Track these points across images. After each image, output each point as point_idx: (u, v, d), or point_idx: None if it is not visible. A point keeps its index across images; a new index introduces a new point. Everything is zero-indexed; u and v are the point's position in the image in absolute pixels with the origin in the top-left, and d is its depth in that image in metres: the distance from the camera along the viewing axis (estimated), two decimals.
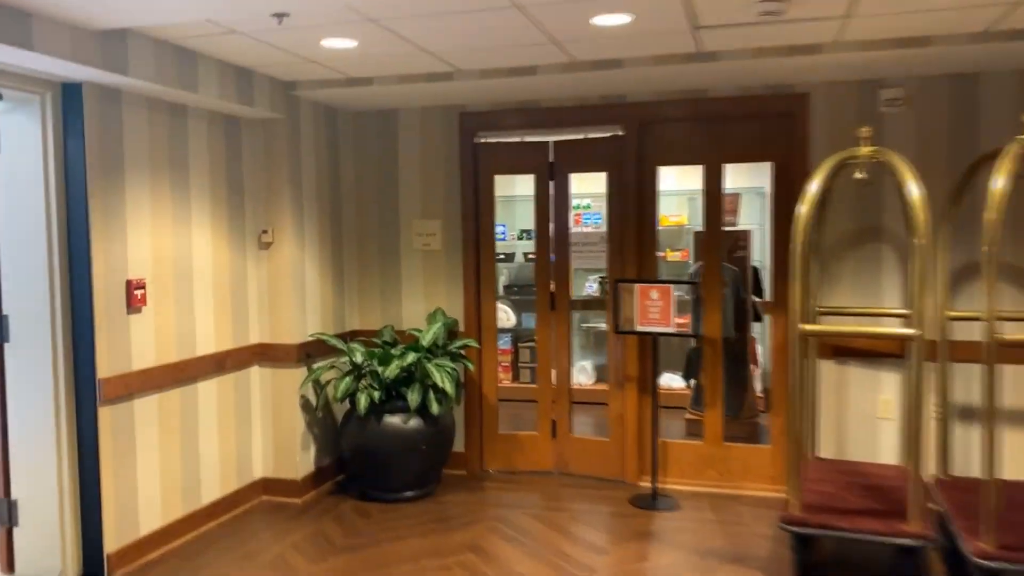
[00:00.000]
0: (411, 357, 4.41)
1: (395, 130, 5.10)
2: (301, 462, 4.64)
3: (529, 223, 7.52)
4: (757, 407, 5.94)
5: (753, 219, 7.03)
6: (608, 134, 4.77)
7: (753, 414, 5.83)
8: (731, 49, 3.83)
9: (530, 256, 7.39)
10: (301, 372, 4.63)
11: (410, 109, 5.06)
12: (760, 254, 6.82)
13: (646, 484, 4.76)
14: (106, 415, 3.57)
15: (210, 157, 4.28)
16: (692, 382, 6.09)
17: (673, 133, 4.70)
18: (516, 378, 7.28)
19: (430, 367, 4.42)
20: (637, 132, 4.70)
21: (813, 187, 3.44)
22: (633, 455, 4.82)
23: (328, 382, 4.82)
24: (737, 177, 6.43)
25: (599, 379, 7.13)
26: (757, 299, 6.09)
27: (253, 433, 4.62)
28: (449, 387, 4.41)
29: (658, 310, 4.36)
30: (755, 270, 6.20)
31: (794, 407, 3.46)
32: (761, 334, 6.65)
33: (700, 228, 6.72)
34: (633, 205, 4.75)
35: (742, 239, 5.93)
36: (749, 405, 5.81)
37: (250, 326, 4.60)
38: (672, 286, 4.37)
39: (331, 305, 4.97)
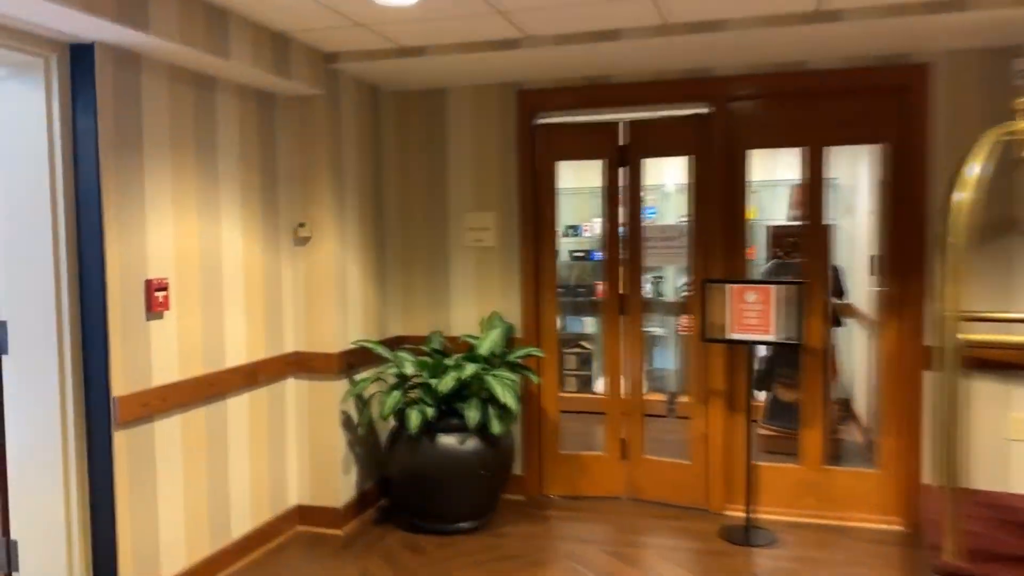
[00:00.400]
0: (470, 369, 3.83)
1: (444, 112, 4.52)
2: (342, 487, 4.07)
3: (574, 218, 6.95)
4: (837, 421, 5.34)
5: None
6: (690, 112, 4.18)
7: (834, 429, 5.23)
8: (857, 7, 3.24)
9: (576, 254, 6.81)
10: (342, 385, 4.06)
11: (461, 87, 4.49)
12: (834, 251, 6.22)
13: (734, 513, 4.17)
14: (122, 440, 3.01)
15: (240, 138, 3.72)
16: (766, 394, 5.50)
17: (766, 112, 4.11)
18: (560, 386, 6.69)
19: (490, 380, 3.85)
20: (725, 111, 4.12)
21: (975, 170, 2.85)
22: (719, 480, 4.23)
23: (371, 396, 4.25)
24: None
25: (652, 389, 6.55)
26: (837, 301, 5.49)
27: (288, 455, 4.05)
28: (512, 402, 3.84)
29: (756, 315, 3.78)
30: (835, 269, 5.60)
31: (948, 432, 2.87)
32: (845, 340, 6.07)
33: (773, 222, 6.15)
34: (719, 194, 4.16)
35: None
36: (830, 419, 5.21)
37: (285, 333, 4.03)
38: (774, 287, 3.77)
39: (373, 309, 4.40)
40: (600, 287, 6.50)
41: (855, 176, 6.01)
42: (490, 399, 3.91)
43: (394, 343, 4.49)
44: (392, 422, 4.12)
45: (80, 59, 2.89)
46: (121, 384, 2.99)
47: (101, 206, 2.91)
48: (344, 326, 4.09)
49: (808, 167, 4.11)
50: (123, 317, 3.01)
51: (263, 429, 3.86)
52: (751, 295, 3.78)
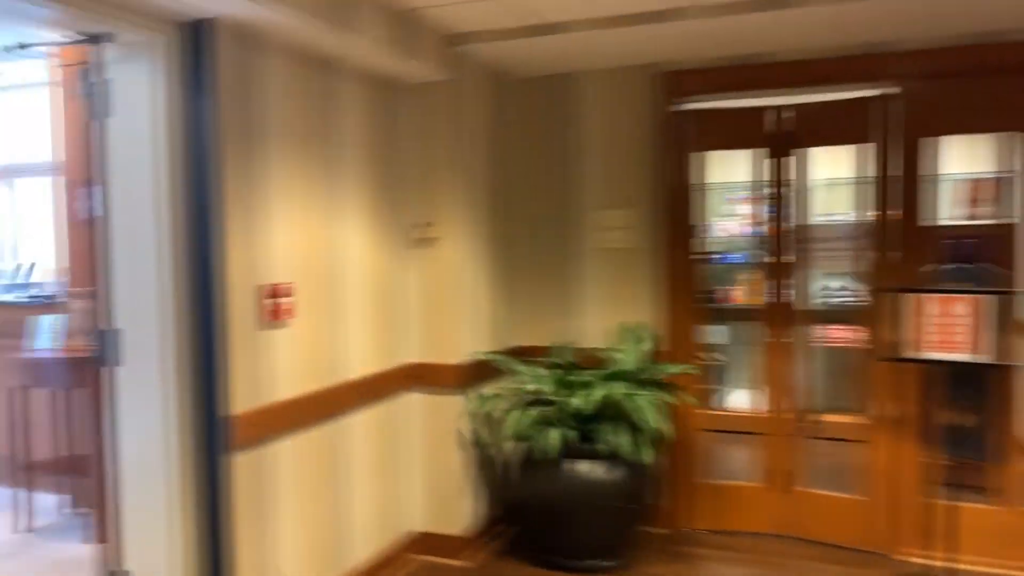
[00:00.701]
0: (617, 388, 3.38)
1: (573, 99, 4.09)
2: (463, 513, 3.68)
3: (699, 216, 6.38)
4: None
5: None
6: (866, 94, 3.61)
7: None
8: None
9: (703, 256, 6.23)
10: (463, 400, 3.68)
11: (593, 72, 4.04)
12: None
13: (916, 560, 3.58)
14: (238, 465, 2.69)
15: (361, 128, 3.38)
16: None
17: (958, 92, 3.50)
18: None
19: (639, 401, 3.38)
20: (906, 91, 3.54)
21: None
22: (897, 519, 3.64)
23: (494, 413, 3.85)
24: (965, 159, 5.15)
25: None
26: None
27: (406, 476, 3.70)
28: (664, 428, 3.37)
29: (958, 329, 3.18)
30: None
31: None
32: None
33: (941, 222, 5.44)
34: (897, 190, 3.59)
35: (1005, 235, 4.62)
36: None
37: (404, 342, 3.67)
38: (978, 298, 3.17)
39: (494, 316, 4.00)
40: (732, 293, 5.96)
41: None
42: (638, 423, 3.44)
43: (515, 354, 4.08)
44: (519, 442, 3.71)
45: (197, 38, 2.59)
46: (237, 401, 2.67)
47: (218, 203, 2.60)
48: (467, 335, 3.71)
49: (1011, 156, 3.48)
50: (241, 327, 2.69)
51: (380, 448, 3.51)
52: (957, 307, 3.18)
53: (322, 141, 3.13)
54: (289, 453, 2.94)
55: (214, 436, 2.65)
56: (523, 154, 4.18)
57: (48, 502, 4.30)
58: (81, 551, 3.80)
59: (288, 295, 2.88)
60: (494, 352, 3.83)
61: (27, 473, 4.12)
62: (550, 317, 4.16)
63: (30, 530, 4.07)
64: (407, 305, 3.69)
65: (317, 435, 3.10)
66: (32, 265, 5.80)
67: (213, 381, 2.64)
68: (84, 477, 4.14)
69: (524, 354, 4.10)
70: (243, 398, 2.70)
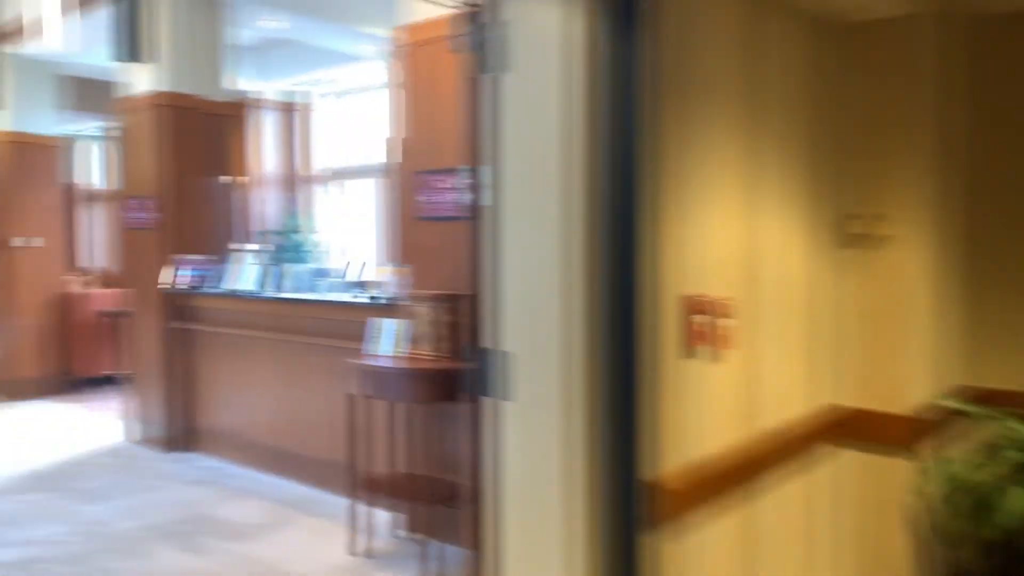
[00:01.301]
0: None
1: None
2: None
3: None
4: None
5: None
6: None
7: None
8: None
9: None
10: (920, 465, 2.62)
11: None
12: None
13: None
14: (664, 549, 1.92)
15: (790, 85, 2.49)
16: None
17: None
18: None
19: None
20: None
21: None
22: None
23: (972, 487, 2.73)
24: None
25: None
26: None
27: (831, 564, 2.73)
28: None
29: None
30: None
31: None
32: None
33: None
34: None
35: None
36: None
37: (830, 380, 2.71)
38: None
39: (951, 347, 2.87)
40: None
41: None
42: None
43: (980, 401, 2.90)
44: (1011, 533, 2.56)
45: None
46: (663, 460, 1.91)
47: (651, 188, 1.85)
48: (922, 374, 2.64)
49: None
50: (668, 358, 1.93)
51: (800, 523, 2.59)
52: None
53: (751, 104, 2.29)
54: (713, 530, 2.13)
55: (631, 507, 1.91)
56: (1009, 122, 2.97)
57: (380, 519, 3.98)
58: None
59: (726, 314, 2.07)
60: (967, 402, 2.72)
61: (367, 488, 3.81)
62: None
63: (368, 555, 3.75)
64: (836, 327, 2.72)
65: (740, 506, 2.25)
66: (363, 264, 5.73)
67: (631, 432, 1.90)
68: (421, 502, 3.73)
69: (993, 401, 2.90)
70: (668, 456, 1.94)
